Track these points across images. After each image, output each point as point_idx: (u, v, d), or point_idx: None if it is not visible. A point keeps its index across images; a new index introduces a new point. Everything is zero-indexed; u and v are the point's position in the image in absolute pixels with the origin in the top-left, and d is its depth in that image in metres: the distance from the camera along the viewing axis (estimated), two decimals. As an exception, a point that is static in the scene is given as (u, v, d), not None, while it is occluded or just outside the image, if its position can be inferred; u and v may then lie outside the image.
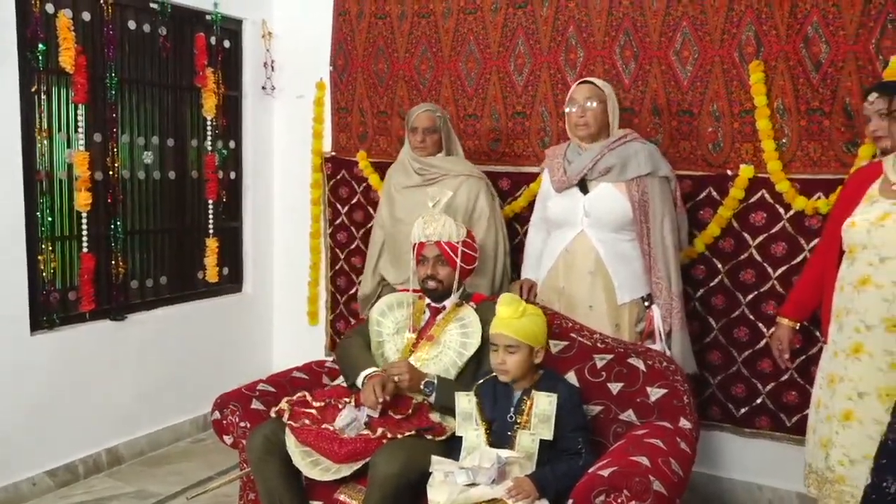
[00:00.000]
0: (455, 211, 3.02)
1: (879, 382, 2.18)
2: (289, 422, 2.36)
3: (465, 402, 2.34)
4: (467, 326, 2.57)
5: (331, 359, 3.15)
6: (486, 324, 2.50)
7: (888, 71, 2.72)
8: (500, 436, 2.28)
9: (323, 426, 2.33)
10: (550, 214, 2.91)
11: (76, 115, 3.32)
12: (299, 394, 2.52)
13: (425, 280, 2.64)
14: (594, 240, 2.76)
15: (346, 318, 4.08)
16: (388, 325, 2.70)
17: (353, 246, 4.05)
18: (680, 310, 2.77)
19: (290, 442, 2.35)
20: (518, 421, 2.26)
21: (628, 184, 2.73)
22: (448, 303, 2.65)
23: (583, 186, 2.80)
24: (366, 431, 2.33)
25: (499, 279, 3.15)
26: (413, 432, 2.31)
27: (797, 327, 2.59)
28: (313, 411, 2.41)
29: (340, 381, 2.67)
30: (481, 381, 2.39)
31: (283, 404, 2.44)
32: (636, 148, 2.76)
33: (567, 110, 2.83)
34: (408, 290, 2.77)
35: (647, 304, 2.78)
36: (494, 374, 2.34)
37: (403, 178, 3.21)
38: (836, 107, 2.88)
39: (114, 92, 3.45)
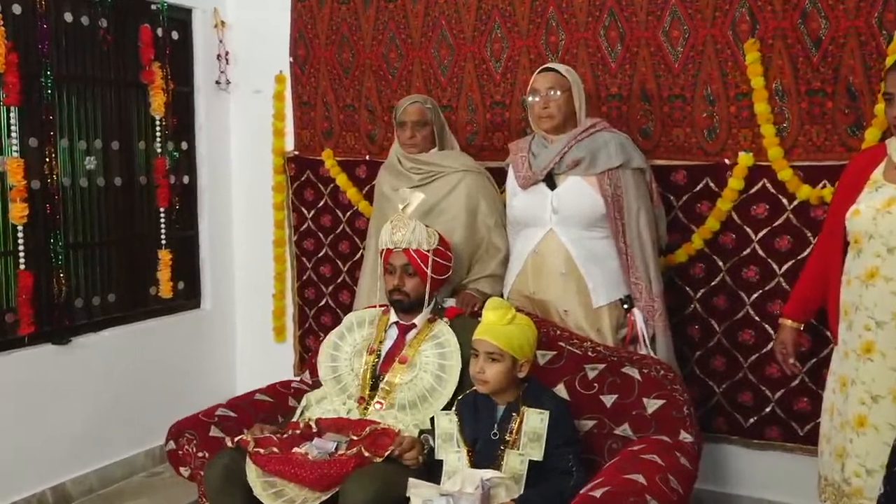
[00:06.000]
0: (455, 212, 3.01)
1: (894, 384, 2.20)
2: (256, 449, 2.34)
3: (446, 421, 2.34)
4: (444, 346, 2.55)
5: (298, 379, 3.13)
6: (464, 344, 2.50)
7: (892, 47, 2.75)
8: (484, 456, 2.28)
9: (293, 449, 2.33)
10: (517, 213, 2.92)
11: (8, 118, 3.27)
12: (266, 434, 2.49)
13: (391, 292, 2.64)
14: (564, 238, 2.78)
15: (316, 333, 4.06)
16: (346, 348, 2.69)
17: (321, 254, 4.04)
18: (662, 312, 2.79)
19: (251, 472, 2.33)
20: (506, 439, 2.26)
21: (599, 177, 2.75)
22: (419, 319, 2.64)
23: (550, 182, 2.81)
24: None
25: None
26: (391, 450, 2.29)
27: (802, 328, 2.60)
28: (275, 446, 2.39)
29: (302, 412, 2.66)
30: (461, 396, 2.39)
31: (246, 435, 2.41)
32: (606, 138, 2.78)
33: (529, 100, 2.84)
34: (374, 307, 2.77)
35: (625, 306, 2.80)
36: (475, 388, 2.34)
37: (397, 180, 3.15)
38: (838, 87, 2.90)
39: (50, 91, 3.42)
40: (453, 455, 2.30)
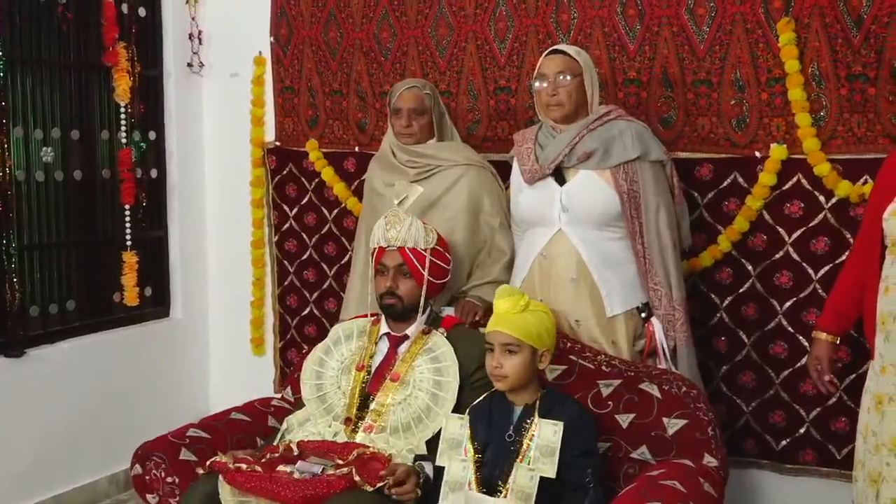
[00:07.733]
0: (455, 211, 3.04)
1: (936, 402, 2.23)
2: (237, 465, 2.36)
3: (456, 426, 2.38)
4: (440, 360, 2.58)
5: (279, 395, 3.17)
6: (462, 357, 2.54)
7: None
8: (492, 466, 2.31)
9: (278, 468, 2.35)
10: (522, 211, 2.96)
11: (-44, 104, 3.33)
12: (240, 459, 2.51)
13: (383, 295, 2.67)
14: (575, 240, 2.81)
15: (299, 344, 4.09)
16: (333, 364, 2.71)
17: (304, 256, 4.07)
18: (684, 321, 2.82)
19: (225, 492, 2.35)
20: (518, 443, 2.29)
21: (614, 171, 2.78)
22: (411, 330, 2.67)
23: (559, 176, 2.85)
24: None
25: None
26: (383, 482, 2.30)
27: (838, 342, 2.62)
28: (256, 464, 2.42)
29: (283, 435, 2.68)
30: (478, 400, 2.43)
31: (222, 457, 2.44)
32: (621, 127, 2.81)
33: (536, 86, 2.87)
34: (364, 316, 2.80)
35: (643, 315, 2.83)
36: (492, 390, 2.39)
37: (390, 175, 3.18)
38: (882, 71, 2.92)
39: (2, 75, 3.44)
40: (458, 464, 2.34)
